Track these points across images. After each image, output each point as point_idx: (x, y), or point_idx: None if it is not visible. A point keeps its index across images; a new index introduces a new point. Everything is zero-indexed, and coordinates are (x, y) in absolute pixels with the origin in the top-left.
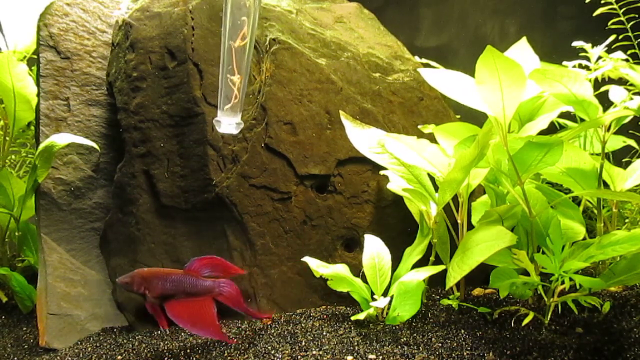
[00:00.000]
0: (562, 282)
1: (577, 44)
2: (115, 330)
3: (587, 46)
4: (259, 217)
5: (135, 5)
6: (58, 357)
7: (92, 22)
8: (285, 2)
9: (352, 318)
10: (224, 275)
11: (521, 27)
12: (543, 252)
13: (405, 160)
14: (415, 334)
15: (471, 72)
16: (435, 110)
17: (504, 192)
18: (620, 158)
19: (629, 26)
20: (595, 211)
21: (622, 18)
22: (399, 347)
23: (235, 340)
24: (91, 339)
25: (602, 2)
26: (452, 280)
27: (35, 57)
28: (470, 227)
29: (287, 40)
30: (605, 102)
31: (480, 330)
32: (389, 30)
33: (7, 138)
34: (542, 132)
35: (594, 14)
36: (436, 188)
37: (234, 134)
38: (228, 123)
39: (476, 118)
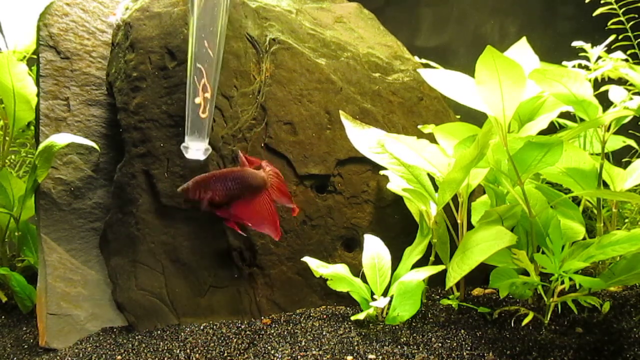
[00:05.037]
0: (562, 282)
1: (577, 44)
2: (115, 330)
3: (587, 46)
4: None
5: (135, 5)
6: (58, 357)
7: (92, 22)
8: (285, 2)
9: (352, 318)
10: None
11: (521, 27)
12: (543, 252)
13: (405, 160)
14: (415, 334)
15: (471, 72)
16: (435, 110)
17: (503, 192)
18: (620, 158)
19: (628, 26)
20: (595, 211)
21: (622, 18)
22: (399, 347)
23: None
24: (91, 339)
25: (602, 2)
26: (452, 280)
27: (35, 57)
28: (470, 227)
29: (287, 40)
30: (605, 102)
31: (480, 330)
32: (389, 30)
33: (7, 138)
34: (542, 132)
35: (594, 14)
36: (436, 188)
37: (201, 160)
38: (196, 149)
39: (476, 118)
